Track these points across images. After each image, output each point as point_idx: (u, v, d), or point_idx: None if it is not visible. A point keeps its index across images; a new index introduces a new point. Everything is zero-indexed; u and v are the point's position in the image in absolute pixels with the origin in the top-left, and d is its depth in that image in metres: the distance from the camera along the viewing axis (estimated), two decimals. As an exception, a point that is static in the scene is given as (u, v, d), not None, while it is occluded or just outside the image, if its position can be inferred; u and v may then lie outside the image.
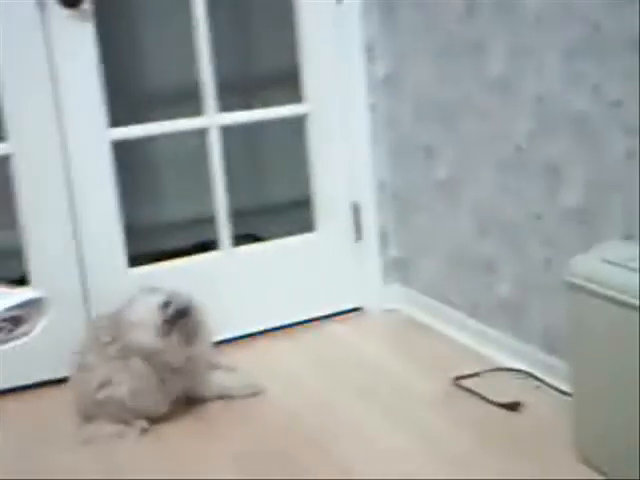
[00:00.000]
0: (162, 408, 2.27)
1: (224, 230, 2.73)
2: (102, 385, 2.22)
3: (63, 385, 2.39)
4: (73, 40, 2.43)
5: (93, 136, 2.50)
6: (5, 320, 1.08)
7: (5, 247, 2.74)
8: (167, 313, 2.22)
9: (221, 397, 2.36)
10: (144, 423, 2.24)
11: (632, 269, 1.72)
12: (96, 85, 2.48)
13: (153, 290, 2.28)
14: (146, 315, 2.23)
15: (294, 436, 2.16)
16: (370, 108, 2.80)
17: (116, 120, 2.55)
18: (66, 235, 2.51)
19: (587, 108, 2.04)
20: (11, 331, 1.10)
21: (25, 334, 1.10)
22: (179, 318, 2.23)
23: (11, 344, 1.12)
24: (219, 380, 2.37)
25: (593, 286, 1.77)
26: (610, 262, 1.78)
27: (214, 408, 2.33)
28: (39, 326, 1.14)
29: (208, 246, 2.78)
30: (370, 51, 2.77)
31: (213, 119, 2.66)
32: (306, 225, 2.88)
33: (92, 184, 2.52)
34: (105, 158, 2.53)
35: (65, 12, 2.39)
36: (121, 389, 2.22)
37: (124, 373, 2.22)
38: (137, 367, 2.22)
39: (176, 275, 2.60)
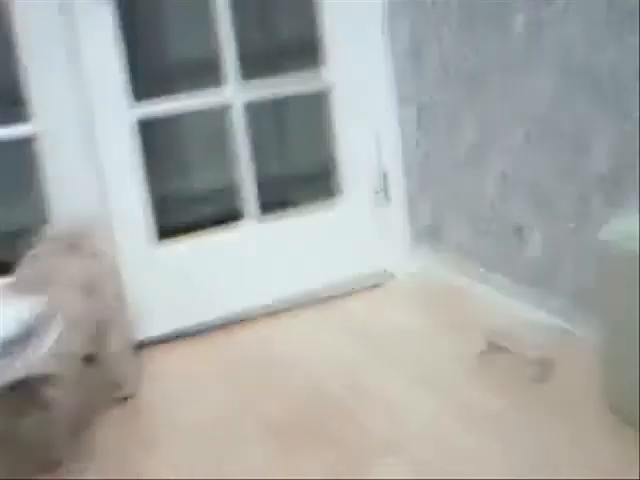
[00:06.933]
0: None
1: (251, 199, 2.75)
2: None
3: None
4: (95, 16, 2.44)
5: (117, 113, 2.53)
6: (12, 343, 1.05)
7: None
8: None
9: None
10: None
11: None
12: (118, 60, 2.50)
13: None
14: None
15: (322, 402, 2.19)
16: (397, 74, 2.78)
17: (139, 94, 2.56)
18: (93, 212, 2.53)
19: (617, 72, 1.99)
20: (21, 350, 1.07)
21: (37, 350, 1.08)
22: None
23: (24, 362, 1.09)
24: None
25: (625, 245, 1.77)
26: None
27: (243, 375, 2.36)
28: (50, 340, 1.12)
29: (236, 215, 2.79)
30: (393, 18, 2.74)
31: (236, 96, 2.67)
32: (335, 191, 2.88)
33: (118, 161, 2.55)
34: (129, 135, 2.56)
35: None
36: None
37: None
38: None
39: (204, 246, 2.66)
